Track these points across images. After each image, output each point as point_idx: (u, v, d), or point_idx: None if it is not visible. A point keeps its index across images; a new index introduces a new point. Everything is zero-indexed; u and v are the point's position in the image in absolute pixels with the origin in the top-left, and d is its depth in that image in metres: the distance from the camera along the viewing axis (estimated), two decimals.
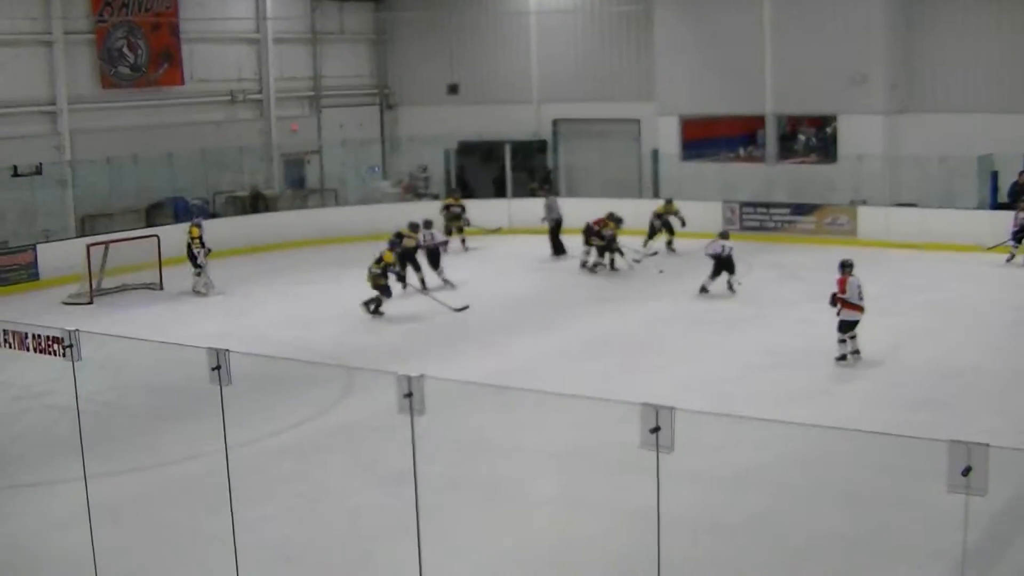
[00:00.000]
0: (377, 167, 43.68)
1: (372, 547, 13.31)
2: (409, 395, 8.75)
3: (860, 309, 20.49)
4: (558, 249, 32.92)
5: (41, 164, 34.73)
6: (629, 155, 39.61)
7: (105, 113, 36.92)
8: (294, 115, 42.85)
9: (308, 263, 32.45)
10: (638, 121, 39.55)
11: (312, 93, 43.59)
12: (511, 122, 40.98)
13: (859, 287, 20.57)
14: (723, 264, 26.38)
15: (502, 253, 33.56)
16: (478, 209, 36.15)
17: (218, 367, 9.60)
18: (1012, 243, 29.28)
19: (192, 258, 29.43)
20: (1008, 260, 29.16)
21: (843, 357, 20.47)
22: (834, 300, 20.50)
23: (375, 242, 33.61)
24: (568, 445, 15.62)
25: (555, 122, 41.74)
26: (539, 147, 41.35)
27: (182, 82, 39.01)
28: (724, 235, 27.24)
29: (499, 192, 38.86)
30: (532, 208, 35.84)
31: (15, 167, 33.96)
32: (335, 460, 16.85)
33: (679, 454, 8.17)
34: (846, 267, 20.75)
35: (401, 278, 26.37)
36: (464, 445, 15.63)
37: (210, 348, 9.67)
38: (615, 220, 29.81)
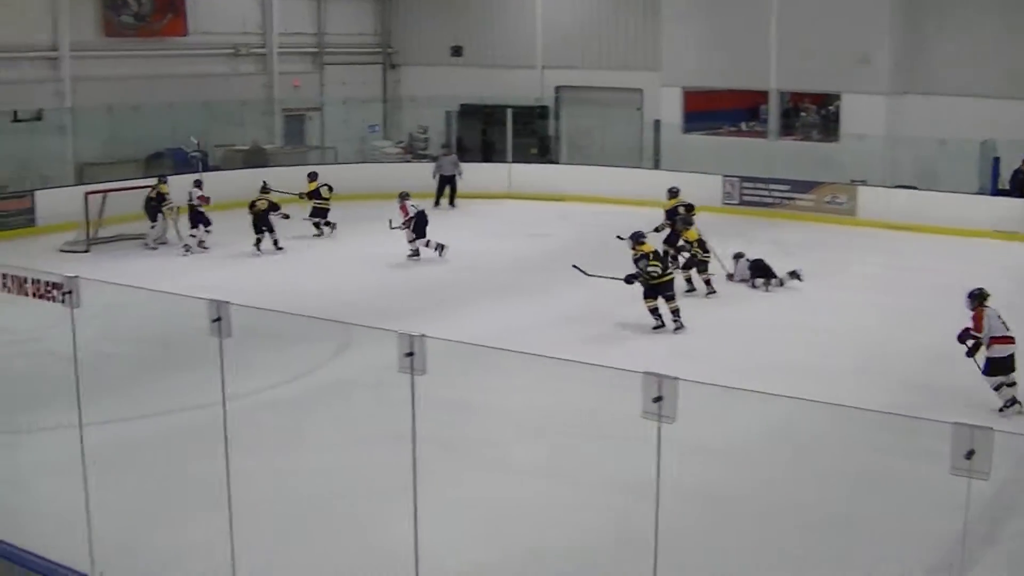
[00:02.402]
0: (377, 126, 43.61)
1: (362, 504, 13.38)
2: (410, 354, 8.73)
3: (1011, 340, 16.75)
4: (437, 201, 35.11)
5: (41, 110, 34.69)
6: (631, 124, 39.49)
7: (107, 61, 36.83)
8: (297, 71, 42.78)
9: (302, 219, 32.38)
10: (641, 91, 39.45)
11: (315, 49, 43.49)
12: (514, 86, 40.89)
13: (998, 316, 16.86)
14: (759, 273, 24.87)
15: (502, 217, 33.48)
16: (477, 173, 36.11)
17: (218, 319, 9.57)
18: None
19: (154, 212, 29.66)
20: None
21: (1011, 403, 16.58)
22: (965, 337, 16.84)
23: (371, 200, 33.71)
24: (563, 411, 15.62)
25: (558, 88, 41.63)
26: (541, 113, 41.25)
27: (185, 33, 38.93)
28: (739, 256, 25.40)
29: (493, 156, 38.83)
30: (533, 173, 35.84)
31: (15, 112, 33.92)
32: (328, 416, 16.89)
33: (677, 424, 8.16)
34: (979, 298, 17.06)
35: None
36: (456, 406, 15.60)
37: (211, 300, 9.64)
38: (684, 218, 25.69)
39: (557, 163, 39.50)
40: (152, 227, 29.64)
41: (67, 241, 29.36)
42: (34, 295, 11.08)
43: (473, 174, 36.00)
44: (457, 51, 43.61)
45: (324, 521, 13.13)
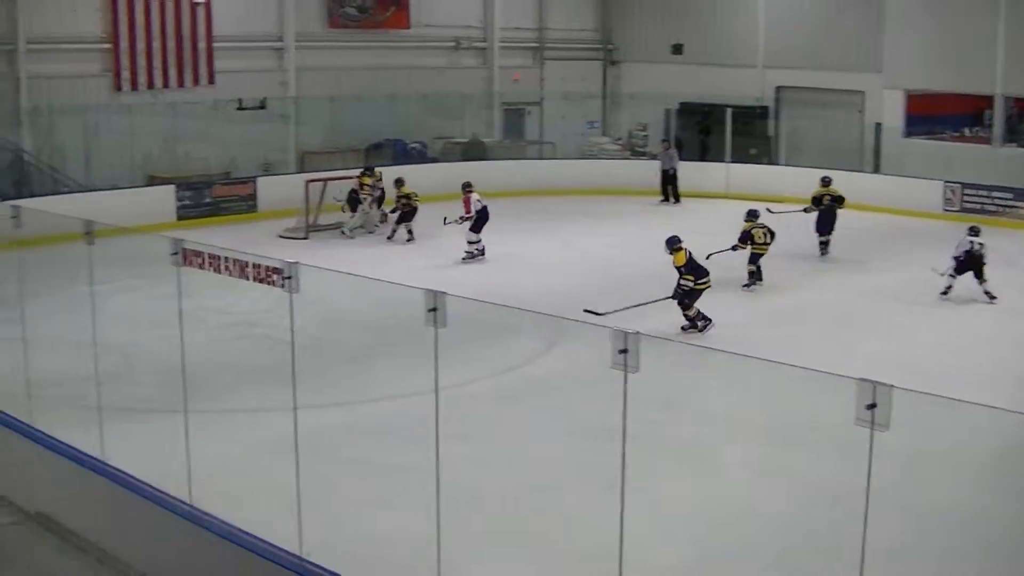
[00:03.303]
0: (596, 122, 43.52)
1: (567, 498, 13.31)
2: (624, 351, 8.60)
3: None
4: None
5: (265, 99, 35.38)
6: (851, 127, 38.70)
7: (330, 52, 37.46)
8: (517, 65, 42.89)
9: (522, 213, 32.45)
10: (863, 92, 38.61)
11: (536, 44, 43.57)
12: (733, 86, 40.37)
13: None
14: (971, 264, 23.41)
15: (718, 215, 33.09)
16: (694, 172, 35.85)
17: (434, 309, 9.57)
18: None
19: (354, 202, 30.09)
20: None
21: None
22: None
23: (589, 197, 33.69)
24: (775, 414, 15.35)
25: (778, 88, 41.02)
26: (760, 113, 40.74)
27: (408, 26, 39.35)
28: (974, 231, 23.91)
29: (710, 155, 38.49)
30: (751, 174, 35.42)
31: (240, 101, 34.63)
32: (537, 409, 16.87)
33: (891, 433, 7.91)
34: None
35: None
36: (669, 405, 15.48)
37: (427, 289, 9.63)
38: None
39: (776, 164, 38.93)
40: (351, 216, 30.05)
41: (287, 227, 29.91)
42: (254, 279, 11.24)
43: (691, 173, 35.71)
44: (678, 49, 43.26)
45: (530, 513, 13.09)
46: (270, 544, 10.89)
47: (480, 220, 27.27)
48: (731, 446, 15.22)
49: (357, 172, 30.86)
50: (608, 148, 40.93)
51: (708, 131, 40.38)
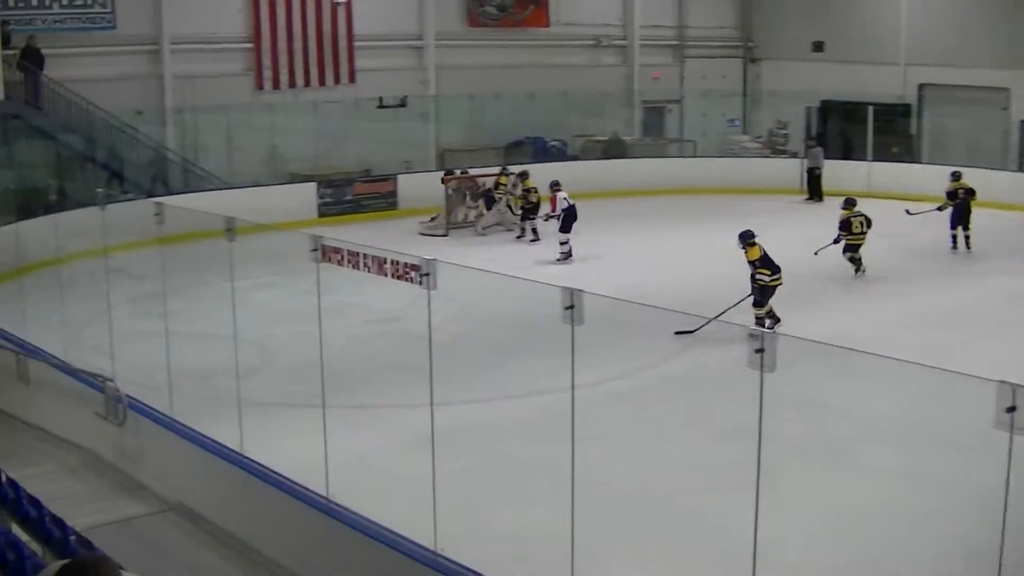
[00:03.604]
0: (737, 120, 43.19)
1: (704, 499, 13.20)
2: (760, 350, 8.52)
3: None
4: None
5: (406, 97, 35.65)
6: (996, 124, 37.91)
7: (470, 51, 37.63)
8: (657, 63, 42.70)
9: (662, 212, 32.29)
10: (1008, 90, 37.81)
11: (676, 42, 43.35)
12: (875, 83, 39.73)
13: None
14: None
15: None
16: (836, 170, 35.41)
17: (571, 306, 9.54)
18: None
19: (490, 200, 30.22)
20: None
21: None
22: None
23: (729, 195, 33.42)
24: (913, 416, 15.12)
25: (921, 86, 40.33)
26: (903, 111, 40.10)
27: (547, 24, 39.38)
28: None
29: (852, 154, 38.00)
30: (893, 172, 34.89)
31: (380, 99, 34.91)
32: (674, 409, 16.77)
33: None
34: None
35: None
36: (805, 405, 15.29)
37: (564, 287, 9.60)
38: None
39: (918, 163, 38.27)
40: (482, 215, 30.17)
41: (427, 224, 30.07)
42: (393, 275, 11.31)
43: (832, 171, 35.28)
44: (818, 46, 42.73)
45: (665, 512, 13.02)
46: (405, 538, 10.95)
47: (568, 219, 26.90)
48: (870, 447, 14.99)
49: (495, 171, 30.98)
50: (748, 146, 40.57)
51: (844, 128, 39.90)
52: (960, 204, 27.47)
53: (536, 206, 28.97)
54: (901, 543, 12.22)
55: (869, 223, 24.57)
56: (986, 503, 8.42)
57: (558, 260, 26.74)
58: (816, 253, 23.40)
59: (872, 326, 20.17)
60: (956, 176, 28.06)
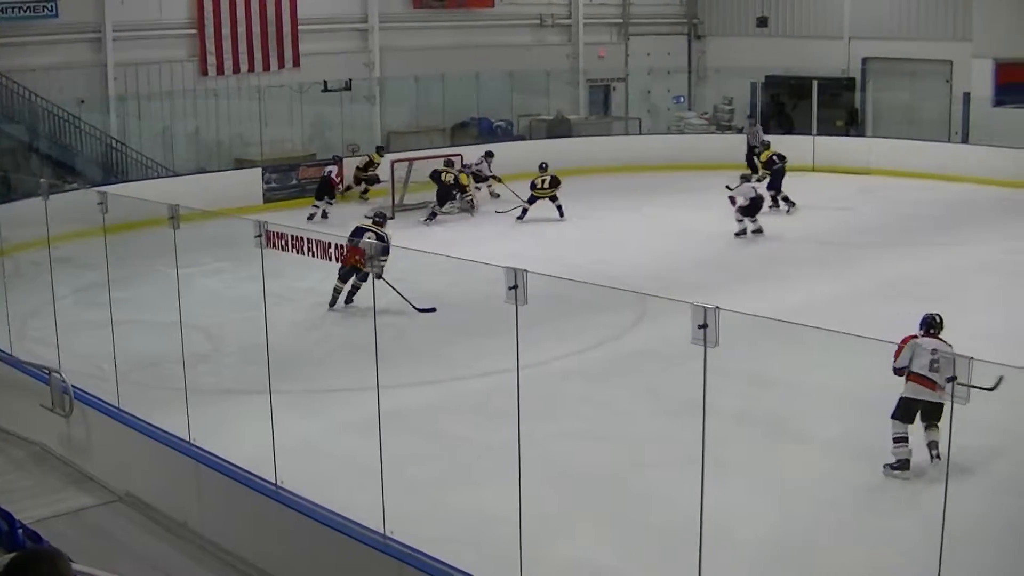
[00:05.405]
0: (682, 97, 43.23)
1: (652, 474, 13.25)
2: (704, 326, 8.54)
3: None
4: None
5: (350, 80, 35.48)
6: (939, 97, 38.06)
7: (414, 32, 37.50)
8: (601, 41, 42.66)
9: (609, 189, 32.32)
10: (951, 62, 37.97)
11: (620, 20, 43.30)
12: (819, 58, 39.87)
13: None
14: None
15: (806, 189, 32.70)
16: (780, 145, 35.40)
17: (515, 286, 9.54)
18: None
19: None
20: None
21: None
22: None
23: (676, 172, 33.48)
24: (860, 389, 15.18)
25: (864, 60, 40.48)
26: (847, 85, 40.26)
27: (492, 4, 39.23)
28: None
29: (796, 128, 38.15)
30: (837, 146, 35.05)
31: (325, 82, 34.77)
32: (622, 386, 16.81)
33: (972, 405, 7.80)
34: None
35: None
36: (751, 380, 15.41)
37: (508, 267, 9.59)
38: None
39: (863, 136, 38.44)
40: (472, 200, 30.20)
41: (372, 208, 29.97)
42: (338, 260, 11.31)
43: (776, 146, 35.33)
44: (762, 22, 42.82)
45: (614, 489, 13.07)
46: (355, 523, 10.95)
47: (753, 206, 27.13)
48: (817, 421, 15.06)
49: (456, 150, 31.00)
50: (694, 123, 40.67)
51: (788, 104, 40.09)
52: (778, 170, 29.42)
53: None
54: (846, 518, 12.30)
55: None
56: (932, 475, 8.49)
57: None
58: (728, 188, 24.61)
59: (821, 298, 20.29)
60: (766, 144, 31.17)
